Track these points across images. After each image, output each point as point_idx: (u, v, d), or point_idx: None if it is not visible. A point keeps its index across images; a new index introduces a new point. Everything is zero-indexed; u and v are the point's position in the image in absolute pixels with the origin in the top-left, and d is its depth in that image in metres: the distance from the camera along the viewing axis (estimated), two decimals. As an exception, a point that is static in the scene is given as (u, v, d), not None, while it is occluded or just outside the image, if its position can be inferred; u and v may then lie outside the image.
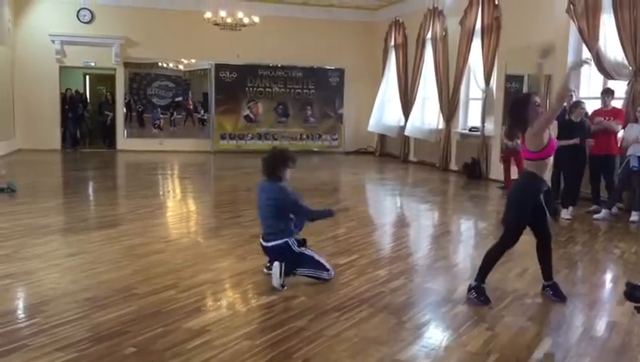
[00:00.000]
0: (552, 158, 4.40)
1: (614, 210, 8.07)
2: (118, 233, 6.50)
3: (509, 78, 11.37)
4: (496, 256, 4.55)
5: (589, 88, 9.72)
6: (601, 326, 4.05)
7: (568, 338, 3.86)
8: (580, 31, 9.21)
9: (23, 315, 4.04)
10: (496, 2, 11.51)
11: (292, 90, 16.92)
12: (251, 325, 3.91)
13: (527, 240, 6.70)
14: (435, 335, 3.82)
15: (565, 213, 7.93)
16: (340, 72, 17.10)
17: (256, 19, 13.59)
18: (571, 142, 7.69)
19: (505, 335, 3.82)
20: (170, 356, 3.36)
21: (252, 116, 16.70)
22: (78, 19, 15.48)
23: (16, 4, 14.92)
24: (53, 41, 15.28)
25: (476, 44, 12.16)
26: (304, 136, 17.10)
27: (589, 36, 9.02)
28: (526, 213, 4.39)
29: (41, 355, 3.32)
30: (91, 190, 10.77)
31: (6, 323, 3.78)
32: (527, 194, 4.40)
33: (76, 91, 17.80)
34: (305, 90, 16.99)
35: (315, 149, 17.07)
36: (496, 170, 11.19)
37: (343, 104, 17.20)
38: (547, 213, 4.53)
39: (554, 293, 4.57)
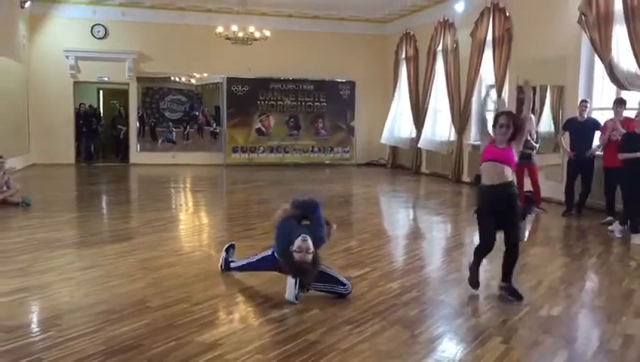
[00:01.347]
0: (488, 164, 4.84)
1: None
2: (131, 246, 6.53)
3: (521, 89, 11.31)
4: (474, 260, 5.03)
5: (602, 99, 9.66)
6: (617, 340, 3.99)
7: (584, 352, 3.81)
8: (592, 42, 9.19)
9: (37, 329, 4.06)
10: (507, 14, 11.52)
11: (303, 103, 16.99)
12: (263, 338, 3.90)
13: (539, 253, 6.68)
14: (449, 349, 3.79)
15: (637, 239, 7.17)
16: (351, 85, 17.15)
17: (267, 33, 13.69)
18: (639, 154, 7.38)
19: (520, 348, 3.78)
20: (183, 369, 3.36)
21: (264, 129, 16.77)
22: (92, 35, 15.69)
23: (31, 21, 15.16)
24: (67, 57, 15.49)
25: (487, 56, 12.15)
26: (315, 149, 17.13)
27: (602, 47, 8.99)
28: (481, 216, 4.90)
29: (55, 369, 3.33)
30: (105, 204, 10.84)
31: (21, 337, 3.81)
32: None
33: (90, 106, 17.99)
34: (316, 103, 17.04)
35: (327, 162, 17.09)
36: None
37: (355, 116, 17.23)
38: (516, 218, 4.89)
39: (509, 293, 4.83)
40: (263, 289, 4.97)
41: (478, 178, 5.50)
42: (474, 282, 4.99)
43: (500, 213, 4.80)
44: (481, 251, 5.02)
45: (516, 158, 4.87)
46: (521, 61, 11.17)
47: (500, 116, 4.90)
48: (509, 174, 4.81)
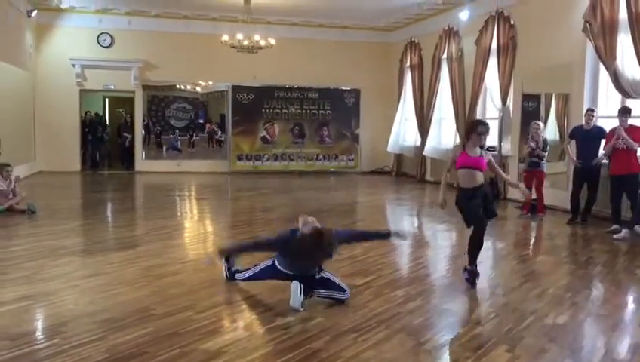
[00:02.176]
0: (465, 171, 5.44)
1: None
2: (136, 254, 6.54)
3: (526, 98, 11.33)
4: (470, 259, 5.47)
5: (607, 107, 9.64)
6: (623, 348, 3.97)
7: (590, 360, 3.79)
8: (597, 50, 9.18)
9: (42, 336, 4.07)
10: (512, 22, 11.53)
11: (308, 111, 17.02)
12: (268, 346, 3.89)
13: (544, 261, 6.65)
14: (454, 357, 3.78)
15: None
16: (356, 93, 17.18)
17: (272, 41, 13.75)
18: None
19: (525, 357, 3.76)
20: (188, 377, 3.36)
21: (268, 137, 16.80)
22: (99, 43, 15.79)
23: (37, 30, 15.27)
24: (73, 65, 15.58)
25: (492, 64, 12.16)
26: (320, 157, 17.14)
27: (606, 55, 8.99)
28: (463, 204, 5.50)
29: (59, 376, 3.34)
30: (110, 211, 10.87)
31: (26, 344, 3.81)
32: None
33: (96, 114, 18.11)
34: (321, 111, 17.07)
35: (332, 170, 17.10)
36: (514, 190, 11.10)
37: (359, 124, 17.24)
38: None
39: (469, 277, 5.38)
40: (267, 297, 4.96)
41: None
42: (473, 278, 5.40)
43: (477, 203, 5.38)
44: (476, 238, 5.40)
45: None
46: (525, 69, 11.19)
47: (479, 125, 5.52)
48: (481, 178, 5.43)
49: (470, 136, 5.47)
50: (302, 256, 4.70)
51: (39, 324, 4.39)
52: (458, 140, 13.53)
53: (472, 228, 5.48)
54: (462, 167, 5.44)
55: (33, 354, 3.66)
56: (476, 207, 5.38)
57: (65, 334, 3.99)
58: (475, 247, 5.44)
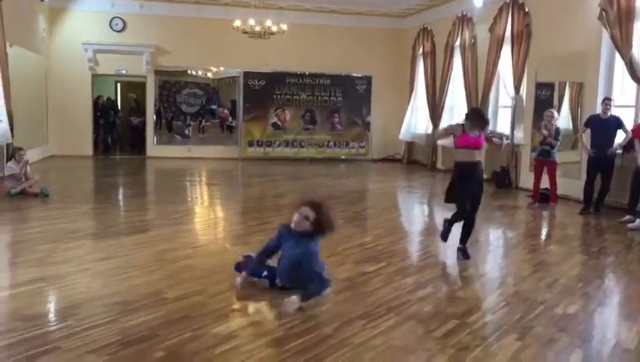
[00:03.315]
0: (464, 150, 5.92)
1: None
2: (148, 238, 6.58)
3: (540, 86, 11.22)
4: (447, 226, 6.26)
5: (622, 96, 9.53)
6: (633, 339, 3.95)
7: (600, 351, 3.79)
8: (613, 38, 9.06)
9: (55, 318, 4.12)
10: (527, 9, 11.40)
11: (319, 98, 16.96)
12: (278, 332, 3.91)
13: (555, 251, 6.63)
14: (464, 345, 3.77)
15: None
16: (368, 80, 17.09)
17: (284, 27, 13.68)
18: None
19: (535, 346, 3.76)
20: (199, 361, 3.39)
21: (279, 123, 16.78)
22: (111, 27, 15.79)
23: (50, 14, 15.29)
24: (86, 50, 15.60)
25: (506, 52, 12.04)
26: (331, 144, 17.11)
27: (622, 43, 8.87)
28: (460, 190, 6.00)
29: (73, 357, 3.38)
30: (121, 196, 10.94)
31: (39, 326, 3.86)
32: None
33: (108, 98, 18.16)
34: (332, 98, 17.01)
35: (342, 157, 17.07)
36: (526, 179, 11.05)
37: (371, 111, 17.17)
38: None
39: (463, 254, 5.95)
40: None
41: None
42: (445, 236, 6.24)
43: (471, 186, 5.91)
44: (458, 218, 6.10)
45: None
46: (539, 57, 11.07)
47: (487, 125, 6.16)
48: (480, 156, 5.99)
49: (474, 127, 5.89)
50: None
51: (52, 306, 4.44)
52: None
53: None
54: (462, 146, 5.91)
55: (46, 336, 3.70)
56: (467, 197, 5.93)
57: (77, 316, 4.03)
58: (452, 224, 6.16)
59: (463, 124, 5.98)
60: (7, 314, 4.15)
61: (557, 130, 9.35)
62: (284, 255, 4.68)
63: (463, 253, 5.98)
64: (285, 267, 4.62)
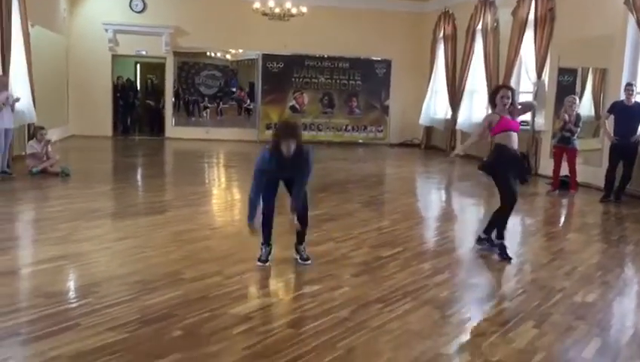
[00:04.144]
0: (509, 133, 5.52)
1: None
2: (166, 219, 6.64)
3: (562, 71, 11.04)
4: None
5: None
6: (653, 329, 3.92)
7: (618, 340, 3.76)
8: (639, 23, 8.87)
9: (76, 295, 4.19)
10: (551, -7, 11.20)
11: (338, 81, 16.87)
12: (295, 313, 3.94)
13: (574, 239, 6.57)
14: (480, 331, 3.77)
15: None
16: (387, 64, 16.94)
17: (304, 9, 13.59)
18: None
19: (552, 333, 3.74)
20: (216, 340, 3.43)
21: (297, 106, 16.74)
22: (131, 8, 15.81)
23: (71, -6, 15.36)
24: (106, 30, 15.65)
25: (528, 36, 11.86)
26: (349, 128, 17.04)
27: (649, 29, 8.68)
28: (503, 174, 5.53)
29: (93, 334, 3.43)
30: (140, 176, 11.03)
31: (60, 302, 3.93)
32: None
33: (127, 79, 18.24)
34: (351, 81, 16.91)
35: (360, 141, 17.01)
36: (546, 166, 10.93)
37: (389, 96, 17.05)
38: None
39: (501, 253, 5.43)
40: (295, 265, 5.02)
41: (485, 166, 5.74)
42: (504, 251, 5.48)
43: (513, 172, 5.53)
44: (508, 212, 5.52)
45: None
46: (563, 42, 10.88)
47: (502, 89, 5.70)
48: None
49: (495, 103, 5.59)
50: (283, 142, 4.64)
51: (73, 284, 4.52)
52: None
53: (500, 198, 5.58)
54: (505, 130, 5.49)
55: (67, 313, 3.76)
56: (514, 181, 5.52)
57: (97, 294, 4.09)
58: (505, 221, 5.55)
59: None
60: (30, 291, 4.24)
61: (577, 116, 9.21)
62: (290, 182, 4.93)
63: (502, 250, 5.48)
64: (299, 189, 4.90)
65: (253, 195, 4.89)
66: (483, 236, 5.72)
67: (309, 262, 5.03)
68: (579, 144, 9.31)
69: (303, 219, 5.00)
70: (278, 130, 4.87)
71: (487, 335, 3.68)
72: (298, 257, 5.08)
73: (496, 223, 5.60)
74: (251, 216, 4.86)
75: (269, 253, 5.00)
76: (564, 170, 9.41)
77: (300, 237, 5.11)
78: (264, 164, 4.76)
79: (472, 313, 4.10)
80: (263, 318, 3.81)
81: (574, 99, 9.37)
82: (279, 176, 4.97)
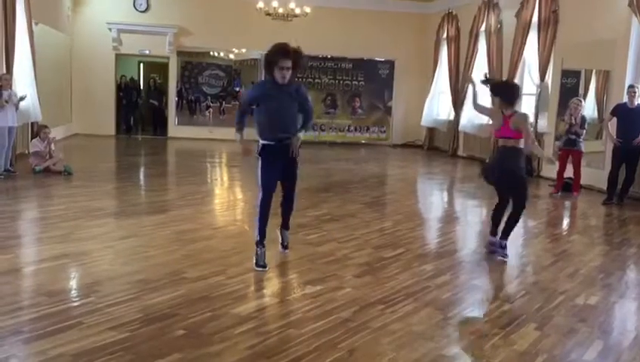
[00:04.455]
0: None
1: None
2: (168, 218, 6.65)
3: (566, 73, 11.03)
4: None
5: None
6: (656, 332, 3.91)
7: (620, 342, 3.75)
8: (643, 26, 8.87)
9: (78, 294, 4.20)
10: (555, -5, 11.18)
11: (341, 82, 16.88)
12: (297, 314, 3.94)
13: (577, 241, 6.56)
14: (482, 333, 3.77)
15: None
16: (390, 64, 16.95)
17: (307, 9, 13.60)
18: None
19: (554, 335, 3.74)
20: (218, 340, 3.43)
21: (300, 107, 16.71)
22: (135, 7, 15.83)
23: (76, -7, 15.39)
24: (110, 29, 15.67)
25: (532, 38, 11.84)
26: (352, 128, 17.05)
27: (653, 31, 8.67)
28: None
29: (95, 333, 3.44)
30: (143, 175, 11.04)
31: (63, 301, 3.93)
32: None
33: (131, 79, 18.27)
34: (354, 82, 16.92)
35: (363, 141, 17.01)
36: (549, 168, 10.90)
37: (393, 96, 17.05)
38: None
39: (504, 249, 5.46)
40: (297, 265, 5.03)
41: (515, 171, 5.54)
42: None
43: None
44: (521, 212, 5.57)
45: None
46: (566, 44, 10.86)
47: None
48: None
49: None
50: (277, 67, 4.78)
51: (75, 282, 4.52)
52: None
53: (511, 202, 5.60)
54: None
55: (69, 311, 3.77)
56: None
57: (100, 293, 4.10)
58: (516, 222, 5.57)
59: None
60: (32, 289, 4.25)
61: (583, 118, 9.19)
62: (281, 111, 4.88)
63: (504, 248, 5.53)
64: (287, 117, 4.92)
65: (237, 119, 5.07)
66: (504, 243, 5.53)
67: (287, 251, 5.21)
68: (584, 146, 9.29)
69: (290, 203, 5.15)
70: (272, 49, 4.82)
71: (489, 337, 3.67)
72: (280, 242, 5.25)
73: (514, 226, 5.56)
74: (238, 128, 5.09)
75: (265, 254, 4.86)
76: (568, 172, 9.39)
77: (285, 222, 5.24)
78: (254, 90, 4.91)
79: (474, 314, 4.11)
80: (264, 318, 3.82)
81: (580, 101, 9.35)
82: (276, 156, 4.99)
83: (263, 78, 4.80)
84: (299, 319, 3.84)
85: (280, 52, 4.69)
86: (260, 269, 4.77)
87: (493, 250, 5.57)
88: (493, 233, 5.67)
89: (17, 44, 10.17)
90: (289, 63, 4.70)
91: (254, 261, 4.81)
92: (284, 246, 5.29)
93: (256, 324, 3.69)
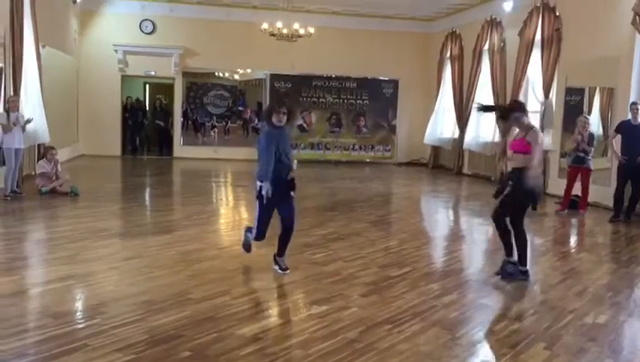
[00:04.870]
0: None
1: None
2: (174, 238, 6.65)
3: (570, 91, 11.05)
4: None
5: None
6: (666, 351, 3.86)
7: (631, 361, 3.71)
8: (646, 43, 8.89)
9: (83, 316, 4.18)
10: (557, 13, 11.23)
11: (345, 101, 16.96)
12: (303, 334, 3.91)
13: (585, 259, 6.51)
14: (491, 353, 3.73)
15: None
16: (394, 83, 17.03)
17: (311, 30, 13.71)
18: None
19: (564, 355, 3.70)
20: (224, 362, 3.41)
21: (305, 126, 16.81)
22: (141, 29, 16.00)
23: (82, 16, 15.55)
24: (116, 51, 15.83)
25: (535, 56, 11.89)
26: (357, 147, 17.08)
27: (656, 48, 8.69)
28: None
29: (101, 355, 3.42)
30: (149, 196, 11.06)
31: (68, 323, 3.92)
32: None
33: (137, 99, 18.39)
34: (358, 101, 16.99)
35: (368, 160, 17.03)
36: (555, 185, 10.88)
37: (397, 115, 17.10)
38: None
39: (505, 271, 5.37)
40: (303, 285, 5.00)
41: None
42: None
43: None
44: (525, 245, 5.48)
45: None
46: (570, 62, 10.90)
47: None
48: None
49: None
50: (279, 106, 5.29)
51: (81, 304, 4.51)
52: (498, 133, 13.33)
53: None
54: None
55: (74, 333, 3.75)
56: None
57: (105, 314, 4.08)
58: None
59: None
60: (38, 311, 4.24)
61: (591, 135, 9.17)
62: (285, 152, 5.32)
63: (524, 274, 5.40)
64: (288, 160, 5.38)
65: (266, 165, 5.23)
66: (524, 269, 5.40)
67: (288, 271, 5.23)
68: (592, 164, 9.26)
69: (290, 227, 5.31)
70: (271, 102, 5.42)
71: (497, 358, 3.64)
72: (277, 268, 5.30)
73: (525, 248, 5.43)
74: (266, 176, 5.25)
75: (252, 245, 5.55)
76: (576, 190, 9.35)
77: (281, 250, 5.35)
78: (269, 135, 5.19)
79: (483, 334, 4.07)
80: (270, 339, 3.79)
81: (587, 119, 9.34)
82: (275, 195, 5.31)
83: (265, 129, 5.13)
84: (305, 340, 3.81)
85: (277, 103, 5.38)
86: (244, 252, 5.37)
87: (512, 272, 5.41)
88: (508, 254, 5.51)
89: (25, 66, 10.26)
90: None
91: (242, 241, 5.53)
92: (283, 269, 5.30)
93: (262, 345, 3.67)
